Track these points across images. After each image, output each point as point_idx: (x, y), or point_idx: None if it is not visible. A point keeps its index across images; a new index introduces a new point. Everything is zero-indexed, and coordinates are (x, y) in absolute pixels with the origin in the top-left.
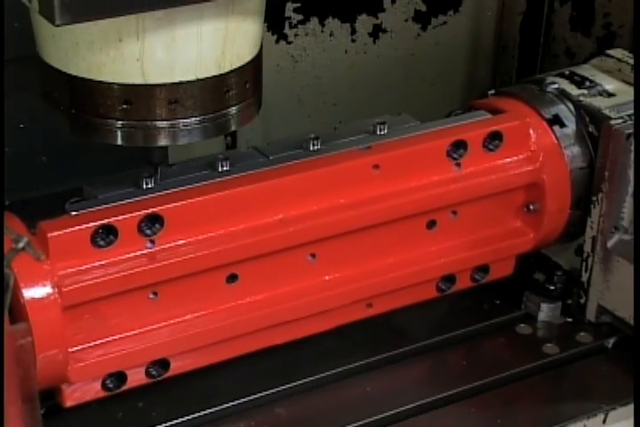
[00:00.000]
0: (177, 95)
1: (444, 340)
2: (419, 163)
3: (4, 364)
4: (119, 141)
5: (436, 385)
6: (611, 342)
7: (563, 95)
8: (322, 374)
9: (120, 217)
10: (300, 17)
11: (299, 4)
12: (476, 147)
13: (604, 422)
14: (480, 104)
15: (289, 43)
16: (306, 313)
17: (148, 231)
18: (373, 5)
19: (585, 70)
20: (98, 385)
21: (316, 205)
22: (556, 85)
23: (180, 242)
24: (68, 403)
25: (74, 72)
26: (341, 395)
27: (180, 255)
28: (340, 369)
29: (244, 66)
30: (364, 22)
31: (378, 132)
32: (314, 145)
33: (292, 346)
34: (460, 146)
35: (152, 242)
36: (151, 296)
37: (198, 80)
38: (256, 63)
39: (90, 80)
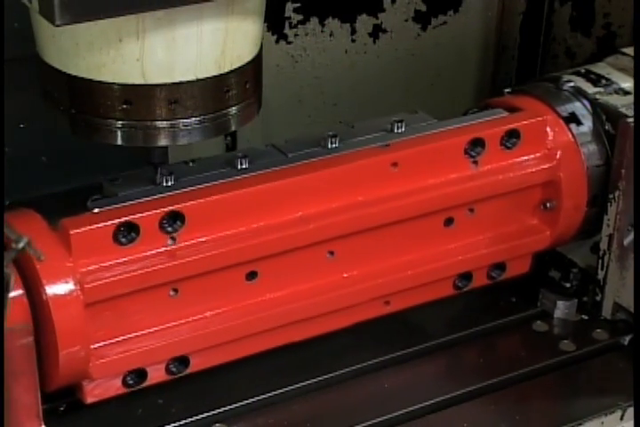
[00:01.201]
0: (177, 95)
1: (461, 337)
2: (436, 161)
3: (4, 364)
4: (119, 141)
5: (453, 382)
6: (627, 339)
7: (579, 93)
8: (340, 371)
9: (142, 214)
10: (300, 17)
11: (299, 4)
12: (494, 145)
13: (622, 418)
14: (496, 102)
15: (289, 43)
16: (324, 310)
17: (170, 229)
18: (373, 5)
19: (600, 68)
20: (118, 382)
21: (335, 202)
22: (572, 84)
23: (201, 239)
24: (89, 399)
25: (74, 72)
26: (359, 392)
27: (201, 253)
28: (357, 366)
29: (243, 66)
30: (364, 22)
31: (395, 130)
32: (332, 143)
33: (310, 342)
34: (477, 144)
35: (173, 239)
36: (172, 293)
37: (198, 80)
38: (256, 63)
39: (90, 80)
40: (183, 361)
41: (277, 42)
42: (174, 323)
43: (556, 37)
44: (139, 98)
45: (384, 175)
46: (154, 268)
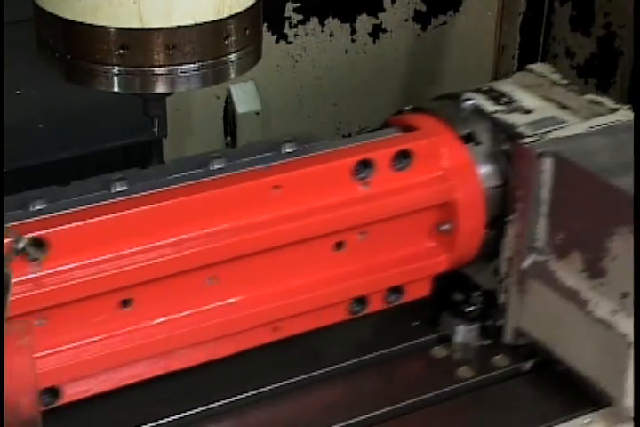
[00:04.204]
0: (175, 40)
1: (361, 362)
2: (322, 183)
3: (4, 364)
4: (115, 88)
5: (351, 409)
6: (527, 365)
7: (478, 112)
8: (234, 398)
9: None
10: (300, 17)
11: (299, 4)
12: (384, 166)
13: None
14: (395, 121)
15: (289, 43)
16: (207, 337)
17: (33, 256)
18: (373, 5)
19: (504, 85)
20: None
21: (214, 226)
22: (471, 101)
23: (68, 266)
24: None
25: (69, 16)
26: (255, 419)
27: (68, 280)
28: (253, 392)
29: (243, 12)
30: (364, 22)
31: (283, 151)
32: (215, 164)
33: (198, 370)
34: (366, 165)
35: (37, 266)
36: (37, 322)
37: (196, 25)
38: (256, 9)
39: (86, 24)
40: (54, 392)
41: (277, 42)
42: (44, 353)
43: (555, 37)
44: (135, 43)
45: (266, 198)
46: (19, 296)
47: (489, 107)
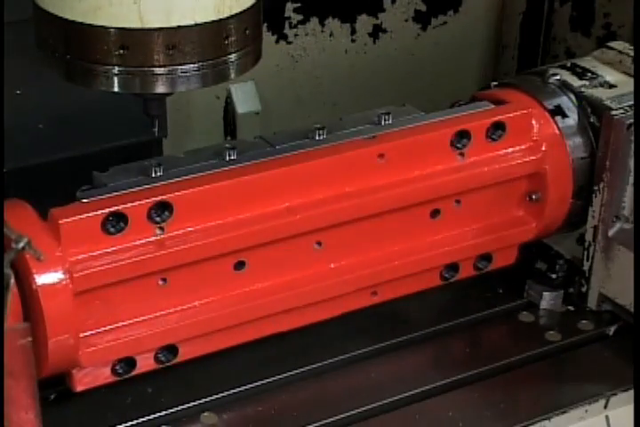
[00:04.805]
0: (175, 40)
1: (448, 327)
2: (423, 152)
3: (4, 364)
4: (116, 88)
5: (440, 372)
6: (612, 329)
7: (564, 86)
8: (327, 361)
9: (130, 204)
10: (300, 17)
11: (299, 4)
12: (480, 137)
13: (606, 407)
14: (483, 95)
15: (289, 43)
16: (311, 300)
17: (158, 219)
18: (373, 5)
19: (586, 62)
20: (108, 370)
21: (322, 193)
22: (557, 77)
23: (189, 229)
24: (79, 388)
25: (69, 16)
26: (346, 381)
27: (189, 242)
28: (345, 356)
29: (243, 12)
30: (364, 22)
31: (382, 123)
32: (319, 135)
33: (298, 332)
34: (463, 136)
35: (161, 229)
36: (160, 283)
37: (197, 25)
38: (256, 10)
39: (85, 24)
40: (172, 350)
41: (277, 42)
42: (163, 312)
43: (556, 37)
44: (135, 43)
45: (371, 167)
46: (142, 257)
47: (574, 82)
